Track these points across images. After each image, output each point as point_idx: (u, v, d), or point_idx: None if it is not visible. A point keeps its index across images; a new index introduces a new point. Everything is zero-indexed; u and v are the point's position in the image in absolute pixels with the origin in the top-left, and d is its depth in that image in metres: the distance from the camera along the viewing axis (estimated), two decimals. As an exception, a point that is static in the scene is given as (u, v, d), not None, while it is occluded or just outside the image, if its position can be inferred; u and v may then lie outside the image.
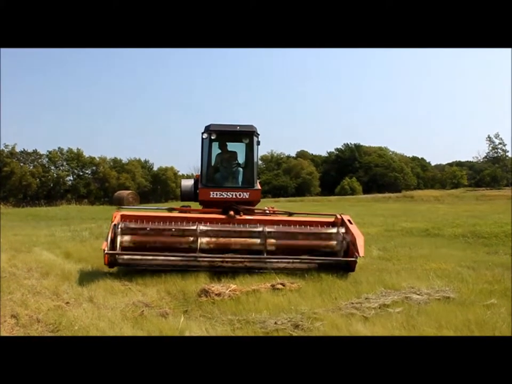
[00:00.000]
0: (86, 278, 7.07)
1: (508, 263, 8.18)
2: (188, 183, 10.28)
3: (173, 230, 7.55)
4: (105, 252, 6.99)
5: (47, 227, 17.10)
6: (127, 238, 7.37)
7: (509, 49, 34.12)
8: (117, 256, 7.23)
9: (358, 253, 7.12)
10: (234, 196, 8.73)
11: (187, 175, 54.04)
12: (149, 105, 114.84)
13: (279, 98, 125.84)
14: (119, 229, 7.32)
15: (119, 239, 7.27)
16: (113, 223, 7.36)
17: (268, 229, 7.57)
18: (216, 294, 5.88)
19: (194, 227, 7.48)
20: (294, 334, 4.56)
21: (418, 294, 5.89)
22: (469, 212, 21.74)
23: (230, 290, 6.00)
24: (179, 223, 7.65)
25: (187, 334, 4.55)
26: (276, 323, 4.81)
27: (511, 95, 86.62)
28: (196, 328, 4.72)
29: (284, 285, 6.33)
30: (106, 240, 7.12)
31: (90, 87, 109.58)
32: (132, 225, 7.52)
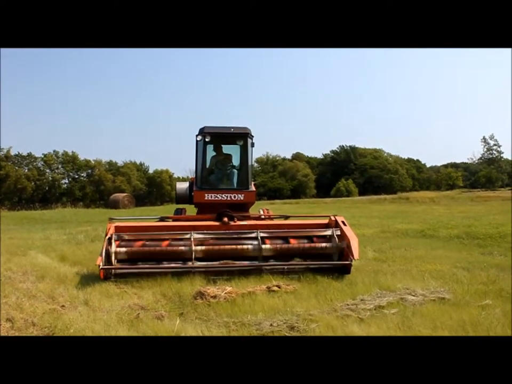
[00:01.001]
0: (82, 281, 7.07)
1: (502, 264, 8.21)
2: (182, 186, 10.28)
3: (168, 240, 7.54)
4: (101, 267, 6.94)
5: (42, 230, 17.07)
6: (121, 250, 7.33)
7: (507, 50, 34.23)
8: (112, 270, 7.20)
9: (353, 256, 7.11)
10: (229, 198, 8.73)
11: (182, 177, 54.17)
12: (145, 107, 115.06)
13: (274, 100, 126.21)
14: (113, 242, 7.28)
15: (113, 252, 7.22)
16: (107, 236, 7.30)
17: (262, 235, 7.57)
18: (211, 297, 5.87)
19: (188, 236, 7.47)
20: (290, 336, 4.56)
21: (413, 295, 5.90)
22: (464, 213, 21.81)
23: (225, 293, 5.99)
24: (173, 233, 7.64)
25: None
26: (271, 325, 4.81)
27: (510, 97, 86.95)
28: (191, 331, 4.71)
29: (279, 287, 6.33)
30: (101, 255, 7.03)
31: (87, 90, 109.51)
32: (126, 237, 7.50)
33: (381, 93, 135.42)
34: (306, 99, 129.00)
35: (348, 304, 5.55)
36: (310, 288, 6.45)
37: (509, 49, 14.91)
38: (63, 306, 5.77)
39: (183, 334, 4.59)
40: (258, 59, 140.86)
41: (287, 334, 4.59)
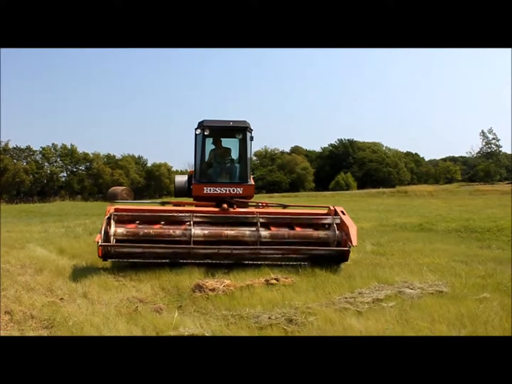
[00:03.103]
0: (80, 274, 7.06)
1: (500, 258, 8.23)
2: (181, 179, 10.27)
3: (167, 221, 7.57)
4: (99, 244, 6.99)
5: (40, 223, 17.04)
6: (120, 230, 7.37)
7: (506, 49, 34.14)
8: (110, 248, 7.22)
9: (351, 242, 7.19)
10: (227, 191, 8.75)
11: (181, 171, 54.16)
12: (143, 101, 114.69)
13: (273, 94, 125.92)
14: (113, 221, 7.32)
15: (112, 231, 7.27)
16: (106, 216, 7.36)
17: (261, 221, 7.61)
18: (210, 290, 5.88)
19: (187, 219, 7.50)
20: (288, 329, 4.57)
21: (411, 289, 5.93)
22: (462, 207, 21.82)
23: (224, 286, 6.01)
24: (173, 214, 7.68)
25: (181, 329, 4.55)
26: (269, 318, 4.82)
27: (510, 91, 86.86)
28: (190, 324, 4.72)
29: (277, 280, 6.35)
30: (100, 233, 7.12)
31: (85, 84, 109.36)
32: (126, 217, 7.54)
33: (380, 87, 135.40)
34: (305, 93, 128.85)
35: (346, 297, 5.58)
36: (308, 281, 6.47)
37: (509, 49, 14.97)
38: (61, 299, 5.79)
39: (181, 327, 4.60)
40: (258, 55, 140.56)
41: (285, 327, 4.61)
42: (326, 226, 7.77)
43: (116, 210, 7.64)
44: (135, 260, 7.41)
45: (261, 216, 7.71)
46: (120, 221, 7.47)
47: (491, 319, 4.62)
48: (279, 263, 7.39)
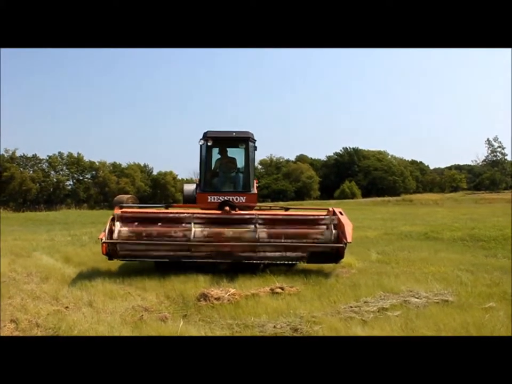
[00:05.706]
0: (86, 282, 7.07)
1: (506, 266, 8.18)
2: (190, 187, 10.38)
3: (169, 222, 7.74)
4: (103, 241, 7.15)
5: (46, 231, 17.08)
6: (125, 229, 7.54)
7: (508, 50, 34.08)
8: (115, 246, 7.38)
9: (346, 239, 7.32)
10: (231, 200, 8.85)
11: (186, 179, 54.31)
12: (149, 109, 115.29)
13: (278, 102, 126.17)
14: (117, 221, 7.51)
15: (117, 230, 7.45)
16: (111, 216, 7.56)
17: (260, 221, 7.77)
18: (215, 298, 5.88)
19: (189, 220, 7.69)
20: (293, 338, 4.56)
21: (417, 298, 5.90)
22: (467, 215, 21.74)
23: (229, 295, 6.00)
24: (174, 215, 7.88)
25: (186, 338, 4.56)
26: (274, 327, 4.82)
27: (510, 98, 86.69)
28: (195, 333, 4.72)
29: (282, 289, 6.34)
30: (105, 231, 7.30)
31: (91, 92, 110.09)
32: (130, 218, 7.72)
33: (385, 95, 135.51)
34: (310, 101, 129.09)
35: (351, 306, 5.56)
36: (313, 290, 6.46)
37: (509, 49, 14.90)
38: (67, 307, 5.79)
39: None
40: (262, 61, 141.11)
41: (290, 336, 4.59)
42: (324, 225, 7.88)
43: (122, 212, 7.81)
44: (138, 259, 7.67)
45: (259, 216, 7.86)
46: (125, 219, 7.63)
47: (497, 328, 4.59)
48: (278, 262, 7.62)
